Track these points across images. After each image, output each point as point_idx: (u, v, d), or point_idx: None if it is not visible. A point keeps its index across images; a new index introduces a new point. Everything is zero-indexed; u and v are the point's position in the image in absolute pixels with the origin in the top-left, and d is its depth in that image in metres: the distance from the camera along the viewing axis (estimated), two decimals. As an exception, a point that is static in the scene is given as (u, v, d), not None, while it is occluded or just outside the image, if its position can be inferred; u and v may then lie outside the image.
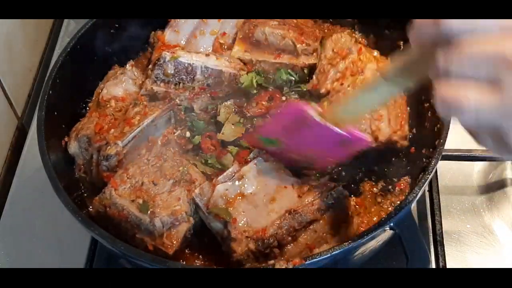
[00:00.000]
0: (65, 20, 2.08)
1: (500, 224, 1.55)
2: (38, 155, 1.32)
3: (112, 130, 1.39)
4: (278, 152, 1.36)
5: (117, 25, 1.60)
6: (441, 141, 1.31)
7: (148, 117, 1.40)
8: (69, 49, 1.50)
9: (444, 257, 1.41)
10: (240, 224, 1.27)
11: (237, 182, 1.32)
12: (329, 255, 1.14)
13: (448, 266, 1.41)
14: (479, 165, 1.65)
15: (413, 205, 1.55)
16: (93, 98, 1.55)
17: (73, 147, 1.42)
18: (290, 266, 1.12)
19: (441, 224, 1.46)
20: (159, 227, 1.25)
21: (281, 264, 1.13)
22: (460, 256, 1.50)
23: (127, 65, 1.57)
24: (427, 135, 1.42)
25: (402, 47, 1.54)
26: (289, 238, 1.27)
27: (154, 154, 1.38)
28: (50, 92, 1.43)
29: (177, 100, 1.50)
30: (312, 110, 1.22)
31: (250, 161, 1.36)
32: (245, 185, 1.32)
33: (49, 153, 1.33)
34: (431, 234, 1.47)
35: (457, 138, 1.66)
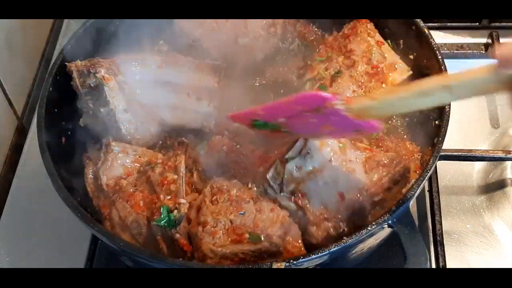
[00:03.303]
0: (65, 20, 2.08)
1: (500, 224, 1.54)
2: (38, 155, 1.32)
3: (162, 196, 1.29)
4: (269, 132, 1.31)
5: (117, 23, 1.59)
6: (440, 138, 1.31)
7: (179, 166, 1.33)
8: (69, 47, 1.50)
9: (444, 257, 1.41)
10: (314, 205, 1.26)
11: (304, 158, 1.29)
12: (327, 251, 1.14)
13: (448, 266, 1.42)
14: (479, 165, 1.65)
15: (413, 205, 1.56)
16: (90, 188, 1.41)
17: (127, 237, 1.30)
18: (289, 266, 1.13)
19: (441, 224, 1.46)
20: (280, 243, 1.22)
21: (279, 265, 1.13)
22: (460, 256, 1.50)
23: (113, 147, 1.43)
24: (426, 132, 1.42)
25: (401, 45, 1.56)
26: (361, 219, 1.27)
27: (209, 195, 1.30)
28: (51, 89, 1.43)
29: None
30: (337, 100, 1.14)
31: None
32: (312, 160, 1.29)
33: (49, 149, 1.33)
34: (431, 234, 1.47)
35: (457, 138, 1.67)
